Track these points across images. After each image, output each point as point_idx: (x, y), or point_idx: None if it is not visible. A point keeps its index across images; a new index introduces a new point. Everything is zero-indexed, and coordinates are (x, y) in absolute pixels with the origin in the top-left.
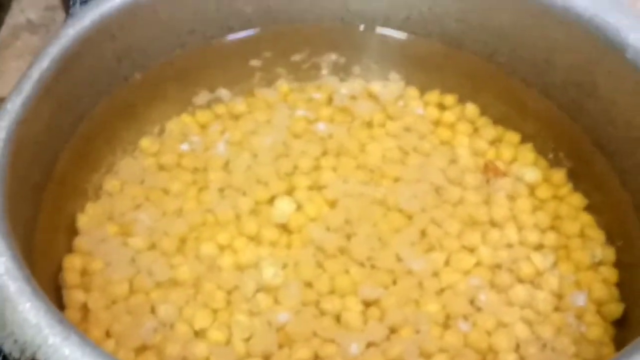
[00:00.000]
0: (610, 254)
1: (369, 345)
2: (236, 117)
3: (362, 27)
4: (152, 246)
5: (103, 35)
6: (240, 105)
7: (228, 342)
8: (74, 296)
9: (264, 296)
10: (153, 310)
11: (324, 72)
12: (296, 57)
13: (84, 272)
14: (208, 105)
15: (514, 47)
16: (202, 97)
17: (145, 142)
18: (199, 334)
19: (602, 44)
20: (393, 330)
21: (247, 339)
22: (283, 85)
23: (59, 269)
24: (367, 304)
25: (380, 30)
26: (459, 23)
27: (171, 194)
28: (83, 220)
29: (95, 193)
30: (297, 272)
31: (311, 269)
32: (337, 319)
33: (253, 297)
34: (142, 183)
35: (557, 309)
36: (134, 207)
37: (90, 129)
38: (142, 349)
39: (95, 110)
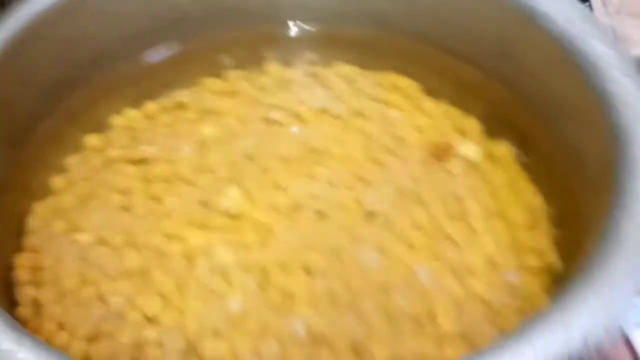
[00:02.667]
0: (542, 208)
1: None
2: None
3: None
4: (101, 241)
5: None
6: (187, 97)
7: (181, 326)
8: (26, 292)
9: (217, 280)
10: (103, 301)
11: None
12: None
13: (35, 269)
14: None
15: (441, 21)
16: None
17: (92, 139)
18: (151, 320)
19: (514, 13)
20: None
21: (200, 322)
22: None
23: (10, 267)
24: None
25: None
26: (387, 2)
27: (118, 189)
28: (32, 220)
29: (42, 192)
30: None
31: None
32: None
33: (206, 282)
34: (89, 180)
35: (494, 266)
36: (81, 203)
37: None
38: (94, 338)
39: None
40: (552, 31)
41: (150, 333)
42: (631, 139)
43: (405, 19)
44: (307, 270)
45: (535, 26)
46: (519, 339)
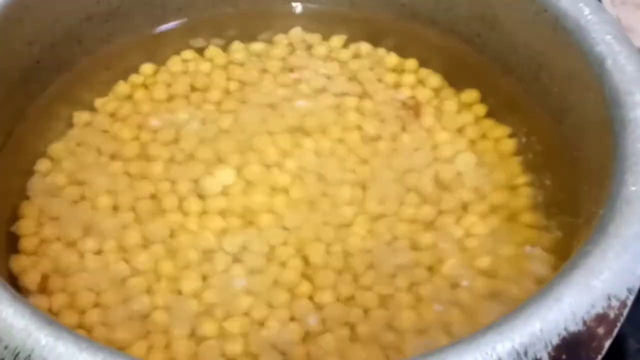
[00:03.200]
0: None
1: None
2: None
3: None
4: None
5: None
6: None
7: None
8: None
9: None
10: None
11: None
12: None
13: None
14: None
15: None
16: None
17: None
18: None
19: None
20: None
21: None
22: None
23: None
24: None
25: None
26: None
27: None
28: (20, 224)
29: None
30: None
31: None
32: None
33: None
34: (81, 182)
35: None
36: (72, 204)
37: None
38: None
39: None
40: None
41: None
42: (625, 99)
43: None
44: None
45: None
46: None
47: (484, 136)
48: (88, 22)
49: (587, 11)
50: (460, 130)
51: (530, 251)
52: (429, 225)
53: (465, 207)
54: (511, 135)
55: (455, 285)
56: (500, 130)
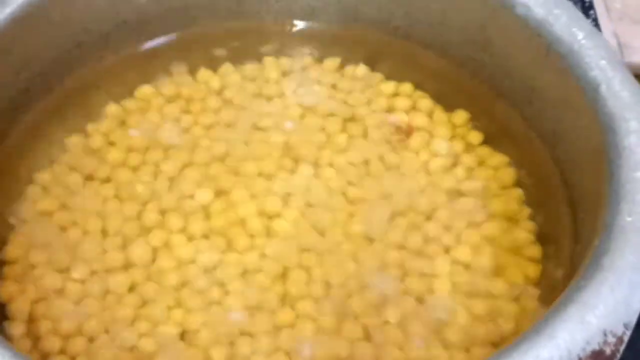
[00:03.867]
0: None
1: None
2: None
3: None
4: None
5: None
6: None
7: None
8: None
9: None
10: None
11: None
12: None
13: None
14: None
15: (408, 11)
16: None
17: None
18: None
19: (492, 1)
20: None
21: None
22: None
23: None
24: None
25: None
26: None
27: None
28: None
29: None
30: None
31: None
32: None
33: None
34: (65, 206)
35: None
36: (60, 231)
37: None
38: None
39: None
40: (530, 20)
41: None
42: (619, 125)
43: (370, 8)
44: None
45: (514, 15)
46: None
47: (481, 164)
48: (78, 49)
49: (580, 36)
50: (455, 157)
51: (525, 287)
52: (419, 253)
53: (457, 237)
54: (510, 164)
55: (443, 321)
56: (498, 159)
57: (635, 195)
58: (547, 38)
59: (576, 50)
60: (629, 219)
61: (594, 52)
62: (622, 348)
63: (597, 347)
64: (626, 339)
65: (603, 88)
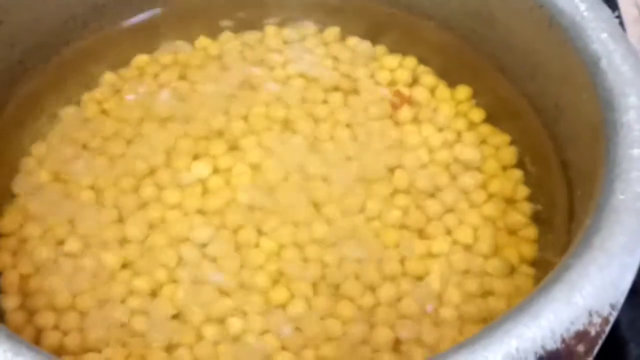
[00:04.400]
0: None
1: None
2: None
3: None
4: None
5: None
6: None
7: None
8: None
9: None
10: None
11: None
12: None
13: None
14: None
15: None
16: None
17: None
18: None
19: None
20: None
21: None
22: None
23: None
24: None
25: None
26: None
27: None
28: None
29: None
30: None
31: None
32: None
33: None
34: (59, 179)
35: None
36: (52, 205)
37: None
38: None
39: None
40: None
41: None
42: (618, 101)
43: None
44: None
45: None
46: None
47: (483, 142)
48: (73, 21)
49: (583, 7)
50: (458, 134)
51: (520, 266)
52: (418, 232)
53: (457, 217)
54: (511, 143)
55: (439, 301)
56: (500, 138)
57: (630, 174)
58: (549, 10)
59: (578, 22)
60: (621, 197)
61: (595, 25)
62: (607, 329)
63: (581, 328)
64: (612, 320)
65: (604, 62)
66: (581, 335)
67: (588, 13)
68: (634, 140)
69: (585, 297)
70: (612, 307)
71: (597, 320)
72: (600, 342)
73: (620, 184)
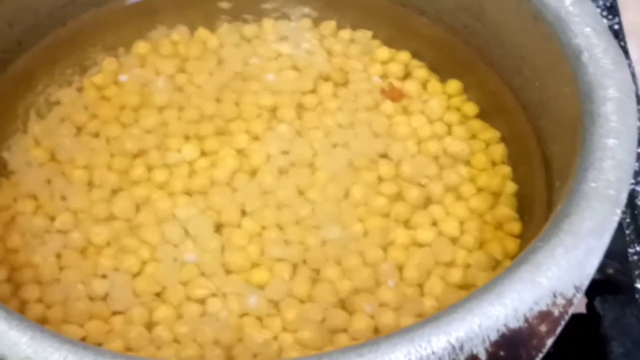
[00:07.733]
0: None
1: None
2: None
3: None
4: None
5: None
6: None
7: None
8: None
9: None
10: None
11: None
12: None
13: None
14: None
15: None
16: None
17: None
18: None
19: None
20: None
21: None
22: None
23: None
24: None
25: None
26: None
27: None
28: None
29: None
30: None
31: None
32: None
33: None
34: (54, 158)
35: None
36: (45, 182)
37: None
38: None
39: None
40: None
41: None
42: (597, 94)
43: None
44: None
45: None
46: (489, 294)
47: (473, 137)
48: (71, 2)
49: (568, 2)
50: (449, 127)
51: (507, 262)
52: (402, 221)
53: (444, 209)
54: (500, 139)
55: (421, 291)
56: (490, 134)
57: (603, 162)
58: (535, 4)
59: (563, 17)
60: (593, 184)
61: (579, 19)
62: (570, 310)
63: (544, 308)
64: (576, 301)
65: (585, 55)
66: (544, 316)
67: (573, 7)
68: (610, 130)
69: (550, 278)
70: (577, 289)
71: (560, 301)
72: (563, 323)
73: (592, 172)
